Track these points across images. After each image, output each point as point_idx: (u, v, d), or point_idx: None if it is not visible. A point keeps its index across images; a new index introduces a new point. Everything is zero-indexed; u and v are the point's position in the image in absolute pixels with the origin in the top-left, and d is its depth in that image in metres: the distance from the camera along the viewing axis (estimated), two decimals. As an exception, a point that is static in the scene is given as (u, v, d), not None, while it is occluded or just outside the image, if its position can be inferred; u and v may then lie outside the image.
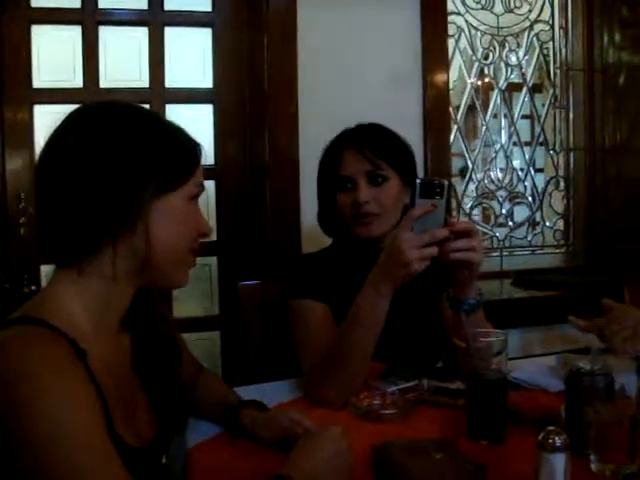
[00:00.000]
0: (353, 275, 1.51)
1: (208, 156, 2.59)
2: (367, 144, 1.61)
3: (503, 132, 3.09)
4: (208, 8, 2.56)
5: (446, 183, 1.31)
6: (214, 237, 2.55)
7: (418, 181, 1.31)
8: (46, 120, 2.41)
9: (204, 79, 2.57)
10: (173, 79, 2.53)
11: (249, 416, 1.27)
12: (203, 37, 2.55)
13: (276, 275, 1.91)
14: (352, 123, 1.71)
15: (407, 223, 1.30)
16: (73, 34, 2.44)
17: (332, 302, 1.57)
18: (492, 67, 3.03)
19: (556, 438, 0.95)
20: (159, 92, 2.48)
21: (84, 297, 0.96)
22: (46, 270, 2.38)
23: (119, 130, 0.96)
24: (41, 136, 2.40)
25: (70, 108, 0.99)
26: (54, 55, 2.46)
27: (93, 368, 0.90)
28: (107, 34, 2.47)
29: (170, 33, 2.52)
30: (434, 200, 1.29)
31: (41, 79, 2.44)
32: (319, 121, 2.36)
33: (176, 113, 2.46)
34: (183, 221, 1.00)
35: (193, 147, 1.03)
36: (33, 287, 2.36)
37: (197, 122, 2.53)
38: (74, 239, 0.94)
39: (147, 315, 1.10)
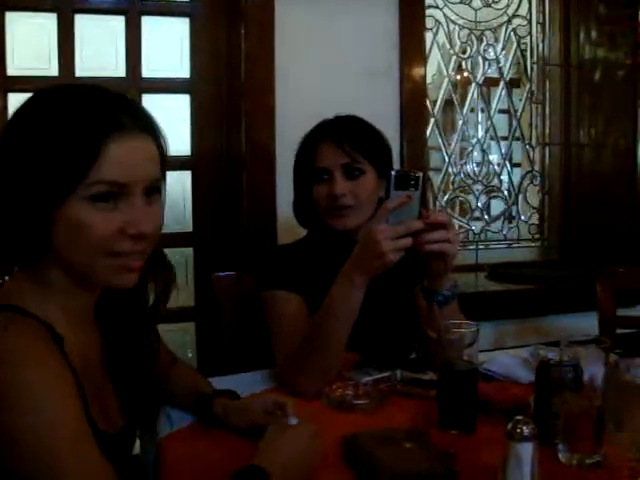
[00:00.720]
0: (327, 266, 1.51)
1: (185, 147, 2.59)
2: (345, 137, 1.61)
3: (480, 126, 3.11)
4: (186, -2, 2.53)
5: (421, 175, 1.32)
6: (190, 228, 2.54)
7: (393, 173, 1.31)
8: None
9: (181, 69, 2.54)
10: (150, 69, 2.50)
11: (222, 405, 1.28)
12: (181, 27, 2.51)
13: (252, 266, 1.91)
14: (329, 116, 1.71)
15: (382, 215, 1.31)
16: (49, 22, 2.39)
17: (306, 293, 1.58)
18: (470, 61, 3.04)
19: (524, 427, 0.97)
20: (136, 82, 2.45)
21: (50, 288, 0.96)
22: None
23: (24, 135, 0.92)
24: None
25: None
26: (29, 42, 2.42)
27: (69, 354, 0.91)
28: (83, 22, 2.43)
29: (147, 22, 2.48)
30: (409, 192, 1.30)
31: (15, 66, 2.40)
32: (296, 114, 2.34)
33: (153, 103, 2.43)
34: (81, 229, 0.90)
35: (93, 136, 0.89)
36: None
37: (174, 113, 2.51)
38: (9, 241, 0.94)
39: (118, 309, 1.10)
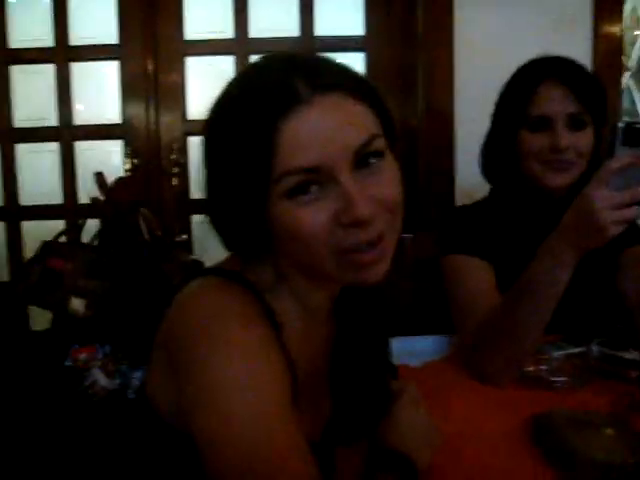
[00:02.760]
0: (519, 229, 1.35)
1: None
2: (575, 81, 1.39)
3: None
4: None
5: None
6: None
7: (621, 125, 1.07)
8: (196, 76, 2.46)
9: (355, 27, 2.48)
10: (323, 27, 2.47)
11: None
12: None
13: (428, 228, 1.81)
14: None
15: (602, 178, 1.06)
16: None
17: (492, 259, 1.41)
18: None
19: None
20: (308, 40, 2.42)
21: (284, 275, 0.86)
22: (197, 219, 2.43)
23: (210, 137, 0.81)
24: (192, 92, 2.45)
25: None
26: (204, 11, 2.47)
27: (287, 345, 0.81)
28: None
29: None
30: (639, 149, 1.06)
31: (193, 30, 2.47)
32: (475, 73, 2.22)
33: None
34: (291, 231, 0.76)
35: (261, 124, 0.73)
36: (184, 236, 2.42)
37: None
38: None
39: (355, 308, 0.97)
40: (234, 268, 0.84)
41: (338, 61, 0.81)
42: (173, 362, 0.78)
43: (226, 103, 0.78)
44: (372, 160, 0.77)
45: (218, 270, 0.85)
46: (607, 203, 1.05)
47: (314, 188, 0.74)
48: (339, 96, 0.75)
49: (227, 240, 0.85)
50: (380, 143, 0.78)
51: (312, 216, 0.74)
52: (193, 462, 0.72)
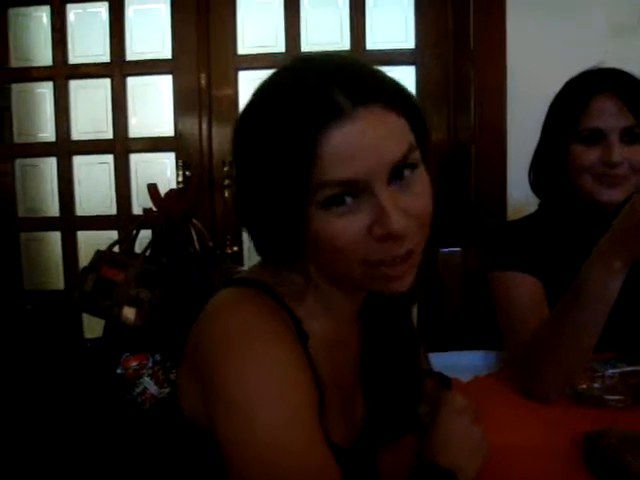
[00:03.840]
0: (569, 245, 1.31)
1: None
2: (631, 94, 1.35)
3: None
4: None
5: None
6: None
7: None
8: (248, 89, 2.49)
9: (406, 41, 2.48)
10: (374, 41, 2.47)
11: None
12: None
13: (478, 243, 1.78)
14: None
15: None
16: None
17: (542, 275, 1.37)
18: None
19: None
20: (360, 54, 2.42)
21: (312, 282, 0.86)
22: (247, 232, 2.45)
23: (244, 144, 0.80)
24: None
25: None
26: (257, 23, 2.51)
27: (313, 354, 0.82)
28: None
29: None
30: None
31: (245, 46, 2.51)
32: (527, 86, 2.19)
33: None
34: (324, 241, 0.76)
35: (301, 134, 0.72)
36: (235, 248, 2.44)
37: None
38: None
39: (383, 310, 0.97)
40: (263, 277, 0.84)
41: (375, 68, 0.81)
42: (198, 372, 0.79)
43: (265, 112, 0.77)
44: (406, 172, 0.76)
45: (246, 280, 0.85)
46: None
47: (349, 200, 0.74)
48: (379, 109, 0.74)
49: (260, 247, 0.85)
50: (415, 155, 0.77)
51: (346, 227, 0.74)
52: (219, 466, 0.74)
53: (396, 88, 0.79)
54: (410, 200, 0.76)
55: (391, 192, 0.74)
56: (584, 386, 1.20)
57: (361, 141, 0.72)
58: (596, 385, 1.20)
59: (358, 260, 0.77)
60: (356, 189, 0.74)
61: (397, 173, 0.76)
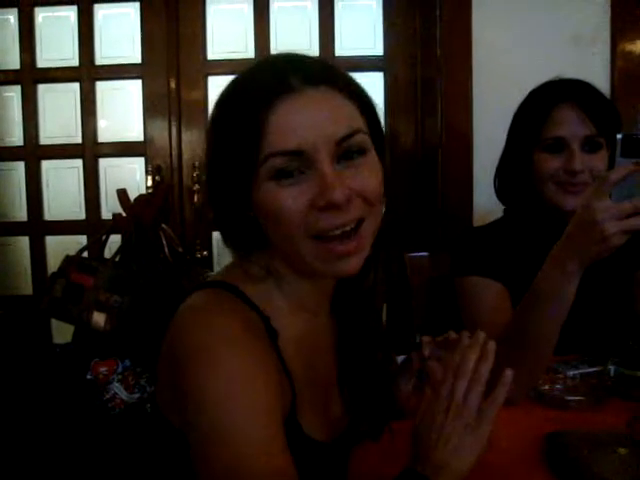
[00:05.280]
0: (533, 250, 1.35)
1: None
2: (591, 104, 1.39)
3: None
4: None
5: None
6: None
7: (619, 136, 1.07)
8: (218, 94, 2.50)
9: (374, 47, 2.51)
10: (343, 47, 2.50)
11: None
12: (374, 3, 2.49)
13: (445, 248, 1.81)
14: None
15: (604, 189, 1.05)
16: (245, 6, 2.49)
17: (508, 280, 1.42)
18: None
19: None
20: (328, 60, 2.44)
21: (275, 275, 0.89)
22: (217, 236, 2.46)
23: (211, 125, 0.86)
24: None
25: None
26: (225, 28, 2.52)
27: (284, 351, 0.85)
28: (278, 9, 2.50)
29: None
30: (639, 160, 1.05)
31: (214, 51, 2.52)
32: (493, 92, 2.23)
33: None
34: (273, 213, 0.80)
35: (251, 108, 0.78)
36: (205, 252, 2.44)
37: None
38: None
39: (353, 303, 0.99)
40: (231, 278, 0.87)
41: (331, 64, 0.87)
42: (171, 374, 0.81)
43: (225, 94, 0.84)
44: (355, 155, 0.81)
45: (215, 283, 0.87)
46: (609, 214, 1.04)
47: (297, 173, 0.79)
48: (328, 90, 0.80)
49: (224, 233, 0.89)
50: (363, 139, 0.82)
51: (291, 198, 0.78)
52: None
53: (348, 79, 0.85)
54: (356, 180, 0.80)
55: (336, 168, 0.79)
56: (546, 387, 1.23)
57: (307, 114, 0.78)
58: (558, 386, 1.24)
59: (305, 234, 0.80)
60: (303, 162, 0.78)
61: (346, 155, 0.80)
